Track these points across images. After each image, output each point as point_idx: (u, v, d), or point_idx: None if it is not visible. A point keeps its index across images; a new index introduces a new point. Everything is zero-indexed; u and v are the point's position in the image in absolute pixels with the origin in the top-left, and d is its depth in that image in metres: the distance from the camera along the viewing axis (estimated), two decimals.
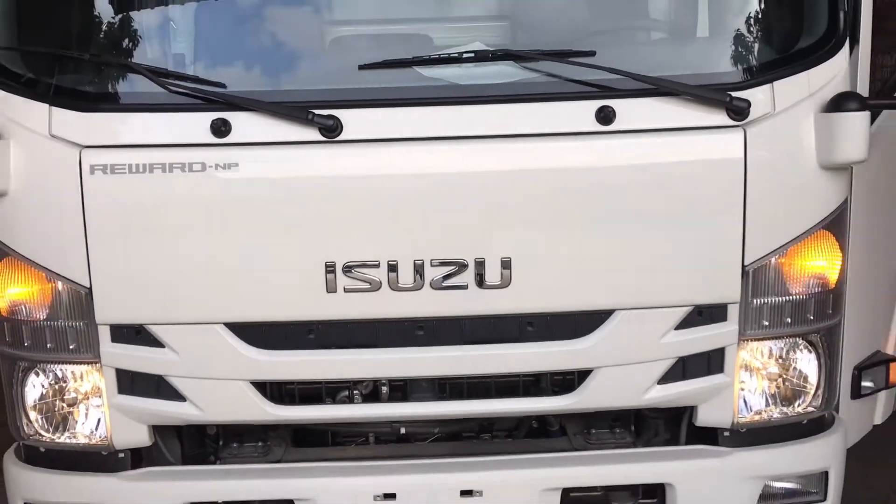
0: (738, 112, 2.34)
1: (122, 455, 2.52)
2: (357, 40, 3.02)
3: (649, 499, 2.55)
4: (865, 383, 2.85)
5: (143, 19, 2.71)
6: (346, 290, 2.38)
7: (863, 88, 2.60)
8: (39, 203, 2.39)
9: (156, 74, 2.38)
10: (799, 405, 2.55)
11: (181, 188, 2.35)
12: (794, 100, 2.39)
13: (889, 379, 2.90)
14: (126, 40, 2.66)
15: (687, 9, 2.84)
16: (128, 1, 2.64)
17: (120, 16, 2.62)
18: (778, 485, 2.58)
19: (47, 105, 2.37)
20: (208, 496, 2.50)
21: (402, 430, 2.66)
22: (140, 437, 2.52)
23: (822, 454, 2.57)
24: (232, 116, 2.34)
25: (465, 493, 2.46)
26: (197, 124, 2.35)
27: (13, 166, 2.37)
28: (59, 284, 2.41)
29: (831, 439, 2.59)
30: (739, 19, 2.58)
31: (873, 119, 2.72)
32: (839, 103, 2.36)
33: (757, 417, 2.54)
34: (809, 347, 2.52)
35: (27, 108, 2.38)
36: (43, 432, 2.54)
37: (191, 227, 2.38)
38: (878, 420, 3.08)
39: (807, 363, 2.53)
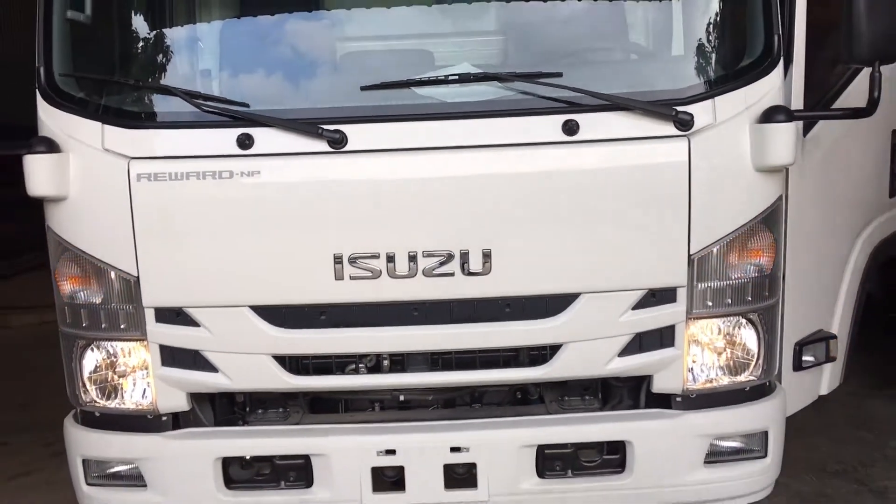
0: (683, 124, 2.77)
1: (164, 418, 2.99)
2: (361, 57, 3.47)
3: (612, 455, 2.97)
4: (806, 357, 3.28)
5: (178, 50, 3.20)
6: (351, 278, 2.83)
7: (797, 102, 3.02)
8: (94, 206, 2.86)
9: (190, 97, 2.84)
10: (741, 374, 2.97)
11: (212, 193, 2.81)
12: (732, 112, 2.80)
13: (828, 354, 3.32)
14: (165, 68, 3.14)
15: (640, 35, 3.28)
16: (165, 36, 3.13)
17: (159, 47, 3.11)
18: (724, 443, 2.99)
19: (100, 123, 2.84)
20: (237, 452, 2.96)
21: (402, 398, 3.10)
22: (180, 402, 2.99)
23: (763, 417, 2.99)
24: (254, 131, 2.80)
25: (455, 449, 2.90)
26: (225, 138, 2.81)
27: (72, 175, 2.85)
28: (112, 274, 2.88)
29: (771, 404, 3.01)
30: (686, 43, 3.02)
31: (812, 126, 3.17)
32: (770, 115, 2.77)
33: (704, 385, 2.96)
34: (749, 325, 2.95)
35: (83, 126, 2.85)
36: (98, 399, 3.01)
37: (221, 226, 2.83)
38: (823, 391, 3.50)
39: (747, 338, 2.95)
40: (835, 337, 3.37)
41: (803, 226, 3.19)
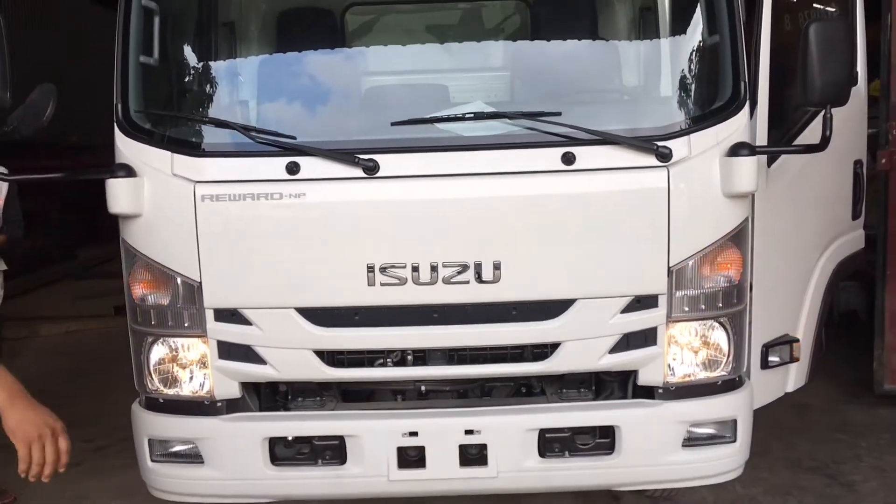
0: (663, 157, 3.30)
1: (219, 404, 3.50)
2: (391, 93, 4.04)
3: (603, 439, 3.48)
4: (772, 358, 3.80)
5: (234, 88, 3.77)
6: (381, 285, 3.35)
7: (761, 139, 3.55)
8: (164, 222, 3.39)
9: (246, 130, 3.40)
10: (714, 370, 3.48)
11: (265, 212, 3.33)
12: (705, 147, 3.33)
13: (792, 355, 3.85)
14: (224, 104, 3.71)
15: (630, 80, 3.84)
16: (224, 76, 3.69)
17: (220, 87, 3.67)
18: (699, 429, 3.49)
19: (170, 152, 3.37)
20: (282, 433, 3.47)
21: (423, 388, 3.64)
22: (233, 391, 3.51)
23: (732, 407, 3.50)
24: (301, 160, 3.32)
25: (468, 431, 3.41)
26: (275, 166, 3.34)
27: (145, 196, 3.39)
28: (178, 280, 3.41)
29: (739, 396, 3.52)
30: (667, 88, 3.57)
31: (777, 158, 3.71)
32: (736, 150, 3.30)
33: (682, 378, 3.46)
34: (721, 327, 3.46)
35: (155, 155, 3.37)
36: (162, 387, 3.54)
37: (271, 239, 3.36)
38: (789, 388, 4.02)
39: (719, 339, 3.46)
40: (798, 340, 3.90)
41: (770, 243, 3.72)
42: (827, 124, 3.29)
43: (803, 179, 3.93)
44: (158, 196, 3.38)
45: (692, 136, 3.34)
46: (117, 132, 3.43)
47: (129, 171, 3.35)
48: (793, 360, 3.87)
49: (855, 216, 4.43)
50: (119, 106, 3.44)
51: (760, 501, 4.57)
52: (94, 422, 6.10)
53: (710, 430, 3.52)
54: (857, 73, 4.30)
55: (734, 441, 3.52)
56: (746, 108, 3.40)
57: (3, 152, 3.17)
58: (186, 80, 3.80)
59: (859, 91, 4.35)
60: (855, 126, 4.38)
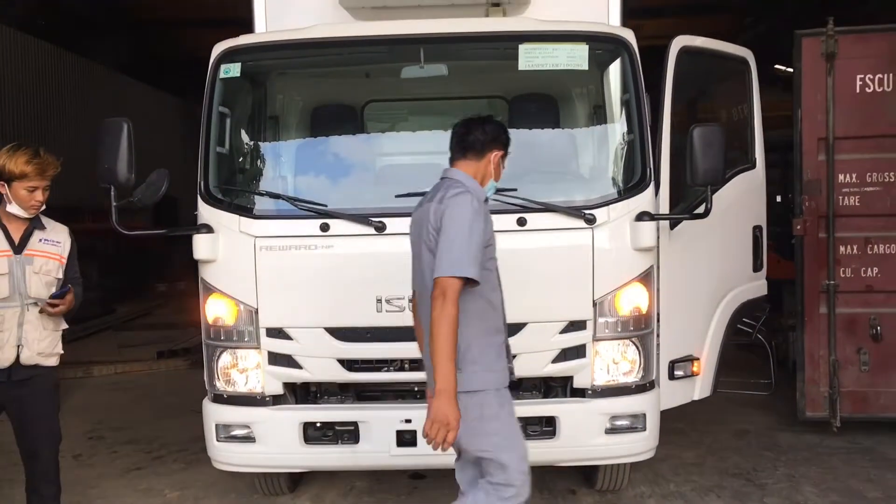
0: (589, 221, 4.74)
1: (268, 398, 4.90)
2: (396, 172, 5.54)
3: (548, 427, 4.82)
4: (677, 371, 5.18)
5: (282, 170, 5.31)
6: (386, 311, 4.77)
7: (664, 208, 4.99)
8: (232, 265, 4.85)
9: (291, 200, 4.90)
10: (628, 376, 4.87)
11: (304, 259, 4.79)
12: (619, 215, 4.76)
13: (692, 371, 5.24)
14: (276, 180, 5.24)
15: (570, 166, 5.33)
16: (276, 160, 5.23)
17: (272, 168, 5.22)
18: (618, 421, 4.83)
19: (237, 216, 4.88)
20: (313, 419, 4.86)
21: (416, 388, 5.04)
22: (278, 388, 4.92)
23: (642, 404, 4.85)
24: (330, 221, 4.81)
25: None
26: (312, 225, 4.81)
27: (220, 247, 4.87)
28: (241, 307, 4.85)
29: (648, 396, 4.88)
30: (594, 172, 5.07)
31: (680, 222, 5.15)
32: (640, 217, 4.75)
33: (605, 383, 4.83)
34: (633, 345, 4.84)
35: (227, 217, 4.86)
36: (226, 386, 4.97)
37: (308, 278, 4.82)
38: (696, 396, 5.38)
39: (631, 354, 4.84)
40: (698, 359, 5.29)
41: (677, 284, 5.14)
42: (708, 199, 4.73)
43: (705, 239, 5.34)
44: (229, 247, 4.87)
45: (611, 206, 4.79)
46: (200, 201, 4.94)
47: (209, 229, 4.85)
48: (693, 374, 5.26)
49: (756, 269, 5.84)
50: (201, 182, 4.95)
51: (689, 496, 5.87)
52: (150, 439, 7.54)
53: (626, 422, 4.88)
54: (755, 158, 5.81)
55: (645, 430, 4.89)
56: (651, 187, 4.86)
57: (121, 215, 4.63)
58: (247, 162, 5.36)
59: (757, 173, 5.82)
60: (754, 199, 5.82)
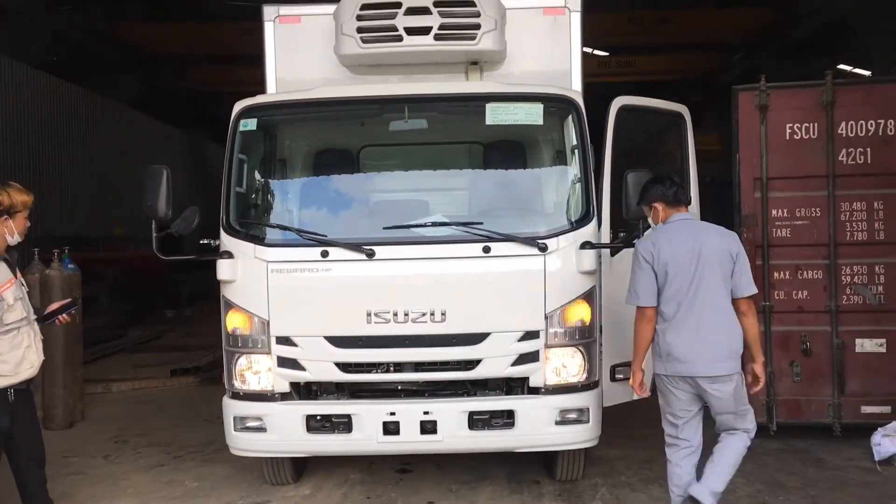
0: (542, 249, 5.88)
1: (277, 395, 6.00)
2: (385, 207, 6.73)
3: (508, 419, 5.88)
4: (618, 375, 6.33)
5: (289, 205, 6.50)
6: (375, 323, 5.88)
7: (605, 238, 6.18)
8: (249, 284, 5.98)
9: (297, 231, 6.08)
10: (575, 377, 5.99)
11: (307, 279, 5.93)
12: (567, 244, 5.90)
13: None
14: (283, 214, 6.43)
15: (527, 203, 6.51)
16: (283, 198, 6.44)
17: (280, 204, 6.42)
18: (567, 414, 5.93)
19: (253, 244, 6.04)
20: (314, 412, 5.95)
21: (399, 387, 6.15)
22: (285, 387, 6.02)
23: (586, 400, 5.95)
24: (329, 248, 5.97)
25: (426, 413, 5.85)
26: (314, 252, 5.95)
27: (238, 269, 6.02)
28: (255, 319, 5.98)
29: (591, 394, 5.99)
30: (547, 208, 6.24)
31: (619, 250, 6.32)
32: (583, 245, 5.91)
33: (555, 382, 5.96)
34: (578, 352, 5.95)
35: (244, 245, 6.02)
36: (242, 385, 6.10)
37: (310, 295, 5.95)
38: (634, 396, 6.52)
39: (577, 359, 5.96)
40: None
41: (616, 302, 6.30)
42: (640, 231, 5.91)
43: None
44: (246, 270, 6.02)
45: (560, 237, 5.94)
46: (222, 232, 6.11)
47: (229, 255, 6.03)
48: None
49: None
50: (224, 216, 6.13)
51: (635, 485, 6.96)
52: (168, 443, 8.66)
53: (573, 415, 5.97)
54: (690, 196, 6.98)
55: (588, 422, 6.00)
56: (594, 221, 6.03)
57: (162, 245, 5.89)
58: (260, 199, 6.56)
59: (692, 209, 6.99)
60: None
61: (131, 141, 21.39)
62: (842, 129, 7.90)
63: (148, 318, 18.69)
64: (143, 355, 14.05)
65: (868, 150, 7.87)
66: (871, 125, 7.85)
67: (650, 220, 5.74)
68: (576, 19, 6.91)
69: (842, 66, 24.05)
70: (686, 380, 5.42)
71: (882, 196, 7.87)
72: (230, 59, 24.30)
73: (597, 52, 25.36)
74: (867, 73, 19.66)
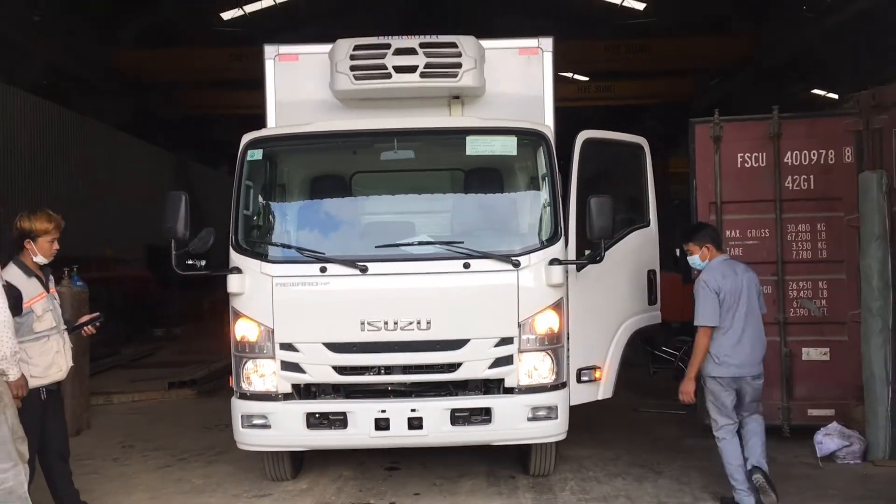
0: (515, 265, 6.75)
1: (280, 395, 6.82)
2: (377, 228, 7.61)
3: (486, 416, 6.71)
4: (584, 377, 7.20)
5: (292, 225, 7.37)
6: (368, 330, 6.73)
7: (571, 256, 7.07)
8: (256, 296, 6.81)
9: (298, 249, 6.94)
10: (545, 378, 6.86)
11: (308, 292, 6.79)
12: (538, 260, 6.77)
13: (595, 377, 7.26)
14: (286, 233, 7.30)
15: (504, 224, 7.40)
16: (286, 219, 7.32)
17: (284, 225, 7.29)
18: (538, 412, 6.77)
19: (259, 261, 6.89)
20: (313, 410, 6.75)
21: (389, 388, 6.99)
22: (287, 388, 6.85)
23: (555, 399, 6.78)
24: (327, 265, 6.83)
25: (413, 410, 6.69)
26: (313, 268, 6.80)
27: (246, 283, 6.88)
28: (261, 326, 6.82)
29: (560, 393, 6.84)
30: (521, 229, 7.14)
31: (583, 265, 7.23)
32: (552, 262, 6.78)
33: (528, 383, 6.83)
34: (548, 356, 6.80)
35: (252, 262, 6.87)
36: (249, 386, 6.94)
37: (310, 306, 6.79)
38: (600, 396, 7.39)
39: (547, 362, 6.83)
40: (600, 368, 7.32)
41: (582, 313, 7.18)
42: (602, 249, 6.81)
43: (605, 279, 7.38)
44: (253, 283, 6.86)
45: (531, 254, 6.83)
46: (231, 250, 6.97)
47: (238, 270, 6.88)
48: (596, 379, 7.28)
49: (651, 303, 7.90)
50: (233, 236, 6.99)
51: (601, 479, 7.79)
52: (173, 446, 9.45)
53: (543, 412, 6.81)
54: (650, 218, 7.91)
55: (557, 418, 6.85)
56: (562, 240, 6.91)
57: (178, 263, 6.74)
58: (264, 220, 7.42)
59: (652, 230, 7.91)
60: (649, 249, 7.90)
61: (120, 163, 22.18)
62: (788, 159, 8.85)
63: (137, 337, 19.42)
64: (139, 371, 14.82)
65: (812, 177, 8.83)
66: (814, 155, 8.81)
67: (697, 257, 7.01)
68: (548, 58, 7.83)
69: (816, 91, 25.28)
70: (735, 379, 6.80)
71: (824, 219, 8.83)
72: (219, 85, 25.25)
73: (577, 76, 26.50)
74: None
